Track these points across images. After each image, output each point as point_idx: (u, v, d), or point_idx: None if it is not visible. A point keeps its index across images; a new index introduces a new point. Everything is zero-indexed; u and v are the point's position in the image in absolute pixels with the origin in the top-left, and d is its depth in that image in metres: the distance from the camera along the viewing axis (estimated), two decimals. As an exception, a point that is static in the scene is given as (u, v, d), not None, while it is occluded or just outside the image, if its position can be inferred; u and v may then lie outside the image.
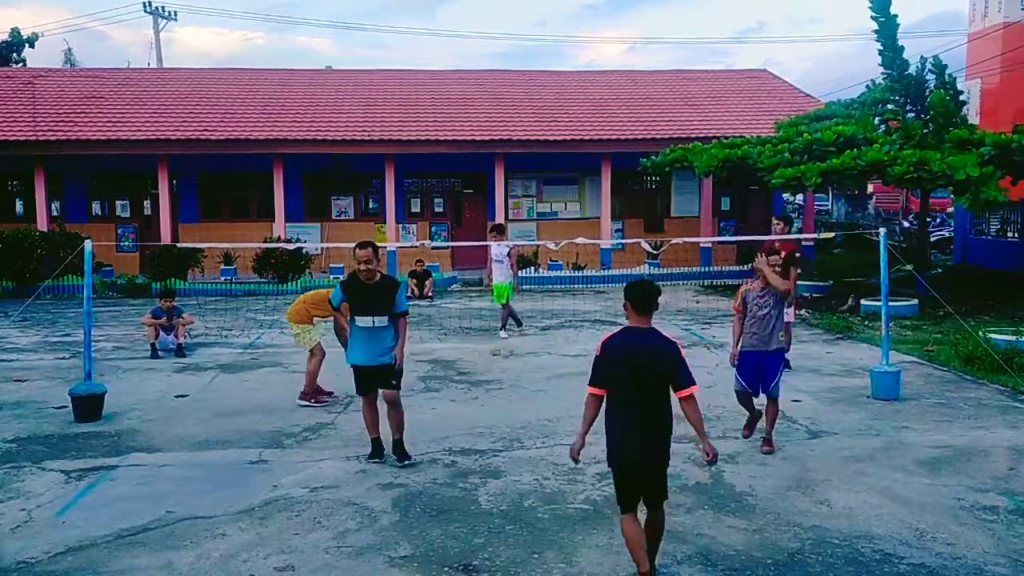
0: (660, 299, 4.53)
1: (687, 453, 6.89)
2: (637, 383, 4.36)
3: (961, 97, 16.30)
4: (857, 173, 14.36)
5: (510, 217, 22.57)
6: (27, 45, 36.16)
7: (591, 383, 4.49)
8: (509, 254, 12.67)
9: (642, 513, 4.56)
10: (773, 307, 6.78)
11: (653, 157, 18.86)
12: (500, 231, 13.42)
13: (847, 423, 7.78)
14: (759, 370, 6.79)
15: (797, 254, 9.95)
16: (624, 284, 4.70)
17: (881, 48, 16.26)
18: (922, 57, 16.28)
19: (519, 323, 13.04)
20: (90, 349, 8.32)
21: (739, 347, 6.93)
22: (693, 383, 4.39)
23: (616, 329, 4.56)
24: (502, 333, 12.65)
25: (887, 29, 16.04)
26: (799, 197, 24.97)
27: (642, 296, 4.48)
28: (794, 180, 14.76)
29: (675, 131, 21.29)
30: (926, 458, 6.73)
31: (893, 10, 15.98)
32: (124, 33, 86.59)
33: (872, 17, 16.15)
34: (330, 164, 21.87)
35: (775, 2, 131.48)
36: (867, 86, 17.76)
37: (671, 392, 4.42)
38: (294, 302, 8.98)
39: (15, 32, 35.59)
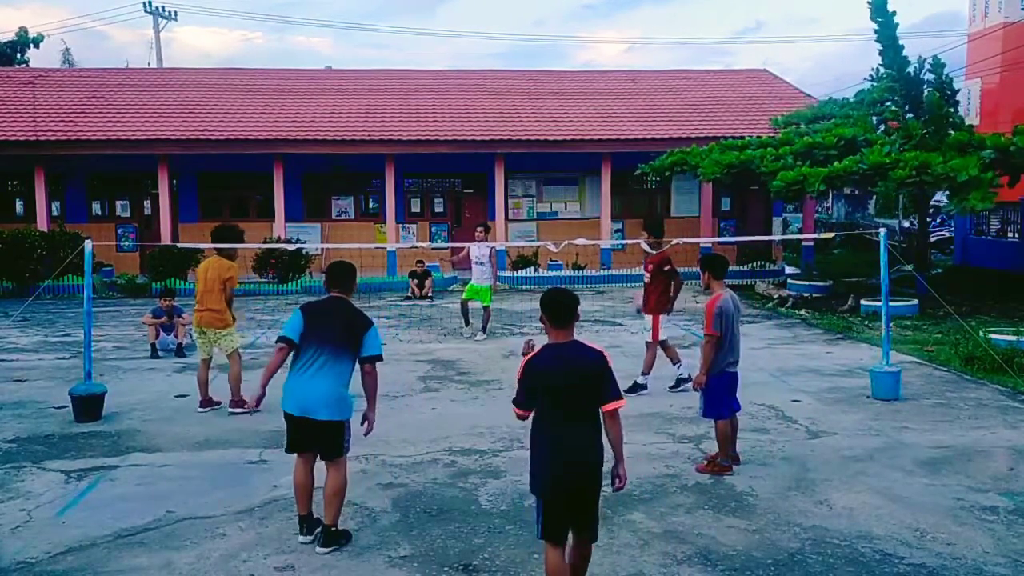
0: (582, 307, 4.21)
1: (687, 453, 6.90)
2: (566, 404, 4.08)
3: (957, 97, 16.30)
4: (859, 177, 14.36)
5: (510, 217, 22.59)
6: (32, 45, 36.06)
7: (516, 404, 4.23)
8: (490, 255, 12.53)
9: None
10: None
11: (652, 162, 18.86)
12: (487, 230, 13.23)
13: (847, 423, 7.78)
14: None
15: (666, 267, 9.11)
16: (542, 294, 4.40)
17: (881, 48, 16.27)
18: (920, 57, 16.30)
19: (467, 323, 12.80)
20: (90, 349, 8.32)
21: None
22: (620, 397, 4.13)
23: (538, 348, 4.29)
24: (479, 335, 12.54)
25: (886, 29, 16.04)
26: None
27: (556, 308, 4.21)
28: (796, 185, 14.75)
29: (675, 131, 21.28)
30: (926, 458, 6.73)
31: (891, 9, 16.00)
32: (124, 33, 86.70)
33: (871, 17, 16.17)
34: (331, 164, 21.88)
35: (773, 2, 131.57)
36: (866, 79, 17.76)
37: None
38: (207, 307, 8.14)
39: (21, 33, 35.50)
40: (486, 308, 12.68)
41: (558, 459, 4.04)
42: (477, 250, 12.54)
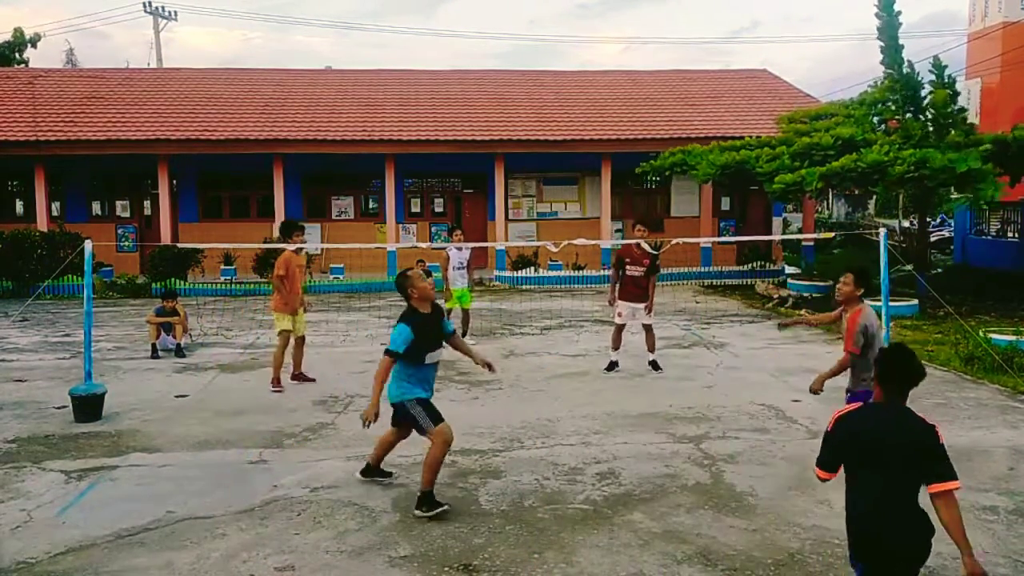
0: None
1: (687, 453, 6.89)
2: (883, 476, 3.55)
3: (957, 98, 16.26)
4: (858, 175, 14.35)
5: (510, 217, 22.59)
6: (29, 45, 36.05)
7: (819, 463, 3.75)
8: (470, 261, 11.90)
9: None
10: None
11: (652, 161, 18.86)
12: (462, 232, 12.42)
13: (847, 423, 7.76)
14: None
15: (656, 262, 10.00)
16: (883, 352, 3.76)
17: (883, 46, 16.22)
18: (910, 60, 16.24)
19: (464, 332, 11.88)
20: (90, 349, 8.32)
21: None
22: (955, 477, 3.53)
23: (854, 405, 3.82)
24: (468, 340, 12.13)
25: (891, 28, 16.01)
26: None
27: (902, 376, 3.61)
28: (794, 186, 14.73)
29: (675, 131, 21.29)
30: (926, 458, 6.72)
31: (896, 8, 15.97)
32: (124, 33, 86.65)
33: (876, 15, 16.12)
34: (330, 164, 21.88)
35: (769, 1, 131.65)
36: (869, 86, 17.71)
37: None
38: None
39: (18, 32, 35.46)
40: (466, 311, 11.89)
41: (885, 531, 3.60)
42: (459, 255, 11.70)
